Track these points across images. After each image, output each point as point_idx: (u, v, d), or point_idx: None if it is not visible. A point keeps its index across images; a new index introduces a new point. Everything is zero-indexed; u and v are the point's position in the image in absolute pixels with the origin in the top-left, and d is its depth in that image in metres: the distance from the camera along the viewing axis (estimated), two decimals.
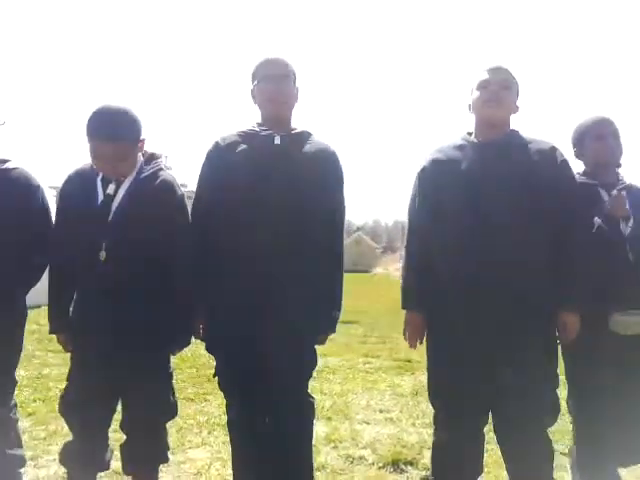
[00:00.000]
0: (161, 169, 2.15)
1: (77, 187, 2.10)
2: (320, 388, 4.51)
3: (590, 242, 2.13)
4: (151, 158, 2.16)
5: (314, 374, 2.25)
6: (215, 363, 2.21)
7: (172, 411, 2.20)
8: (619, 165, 2.38)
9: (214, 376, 2.22)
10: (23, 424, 3.09)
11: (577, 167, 2.38)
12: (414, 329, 2.21)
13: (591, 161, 2.37)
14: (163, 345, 2.11)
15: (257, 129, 2.18)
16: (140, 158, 2.13)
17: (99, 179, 2.07)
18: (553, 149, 2.13)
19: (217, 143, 2.19)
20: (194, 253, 2.17)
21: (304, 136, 2.20)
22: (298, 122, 2.26)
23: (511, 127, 2.19)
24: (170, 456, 2.29)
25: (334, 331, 2.21)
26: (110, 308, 1.99)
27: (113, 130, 1.97)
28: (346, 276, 2.26)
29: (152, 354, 2.06)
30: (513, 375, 2.00)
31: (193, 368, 5.14)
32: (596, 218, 2.19)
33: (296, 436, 2.15)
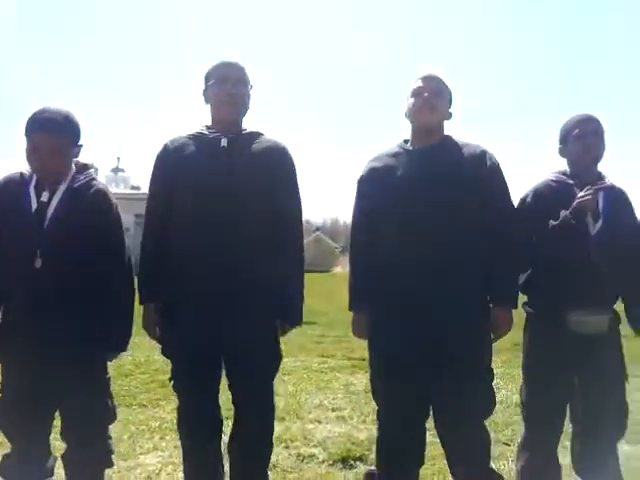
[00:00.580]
0: (94, 179, 2.17)
1: (7, 195, 2.07)
2: (274, 389, 4.55)
3: (551, 237, 2.21)
4: (84, 168, 2.16)
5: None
6: (172, 366, 2.23)
7: (110, 416, 2.20)
8: (597, 162, 2.36)
9: (170, 380, 2.23)
10: None
11: (561, 165, 2.41)
12: (359, 328, 2.31)
13: (572, 160, 2.38)
14: (97, 351, 2.11)
15: (206, 131, 2.22)
16: (73, 168, 2.13)
17: (32, 187, 2.05)
18: (483, 152, 2.21)
19: (166, 146, 2.24)
20: (149, 253, 2.21)
21: (253, 136, 2.24)
22: (250, 124, 2.29)
23: (445, 133, 2.28)
24: (121, 462, 2.30)
25: (299, 324, 2.26)
26: (43, 316, 1.98)
27: (52, 123, 2.00)
28: (305, 276, 2.30)
29: (86, 360, 2.06)
30: (449, 371, 2.10)
31: (146, 374, 5.08)
32: (562, 211, 2.21)
33: (258, 436, 2.22)
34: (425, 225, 2.10)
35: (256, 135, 2.24)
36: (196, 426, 2.21)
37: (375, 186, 2.24)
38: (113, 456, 2.24)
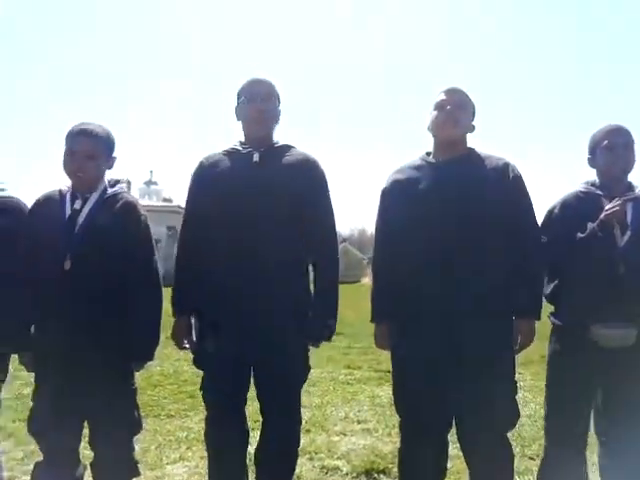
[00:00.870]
0: (125, 191, 2.28)
1: (47, 206, 2.21)
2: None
3: (578, 250, 2.19)
4: (116, 182, 2.29)
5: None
6: (203, 377, 2.27)
7: (137, 426, 2.26)
8: (627, 173, 2.33)
9: (200, 389, 2.28)
10: (3, 445, 3.13)
11: (590, 175, 2.40)
12: (381, 340, 2.33)
13: (601, 171, 2.36)
14: (123, 360, 2.17)
15: (239, 147, 2.29)
16: (105, 181, 2.24)
17: (68, 195, 2.19)
18: (506, 165, 2.21)
19: (201, 163, 2.33)
20: (184, 267, 2.28)
21: (284, 149, 2.29)
22: (281, 138, 2.34)
23: (468, 145, 2.29)
24: (148, 472, 2.34)
25: (329, 339, 2.27)
26: (70, 325, 2.05)
27: (90, 131, 2.17)
28: None
29: (112, 369, 2.12)
30: (470, 382, 2.08)
31: (174, 385, 5.17)
32: (590, 223, 2.20)
33: (284, 448, 2.25)
34: (449, 241, 2.11)
35: (287, 148, 2.29)
36: (223, 439, 2.24)
37: (398, 199, 2.26)
38: (140, 465, 2.29)
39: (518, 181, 2.21)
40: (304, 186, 2.20)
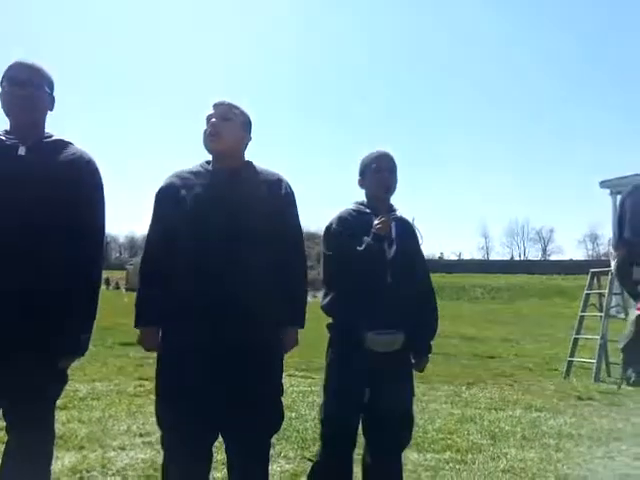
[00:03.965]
0: None
1: None
2: (79, 416, 4.24)
3: (354, 262, 2.34)
4: None
5: (75, 403, 2.15)
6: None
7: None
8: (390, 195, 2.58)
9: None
10: None
11: (359, 196, 2.61)
12: (149, 343, 2.24)
13: (369, 192, 2.57)
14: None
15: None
16: None
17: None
18: (279, 181, 2.31)
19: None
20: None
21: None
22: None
23: (246, 158, 2.33)
24: None
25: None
26: None
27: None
28: None
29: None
30: (240, 391, 2.11)
31: None
32: (365, 237, 2.36)
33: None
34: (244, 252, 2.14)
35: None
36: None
37: (171, 203, 2.26)
38: None
39: (289, 198, 2.32)
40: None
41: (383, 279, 2.39)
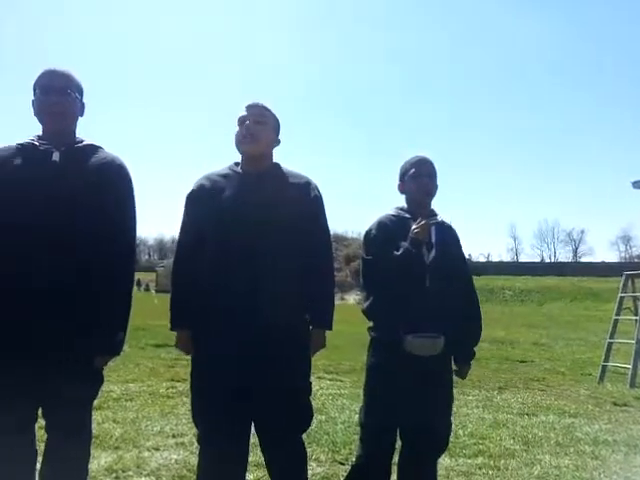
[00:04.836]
0: None
1: None
2: (113, 417, 4.32)
3: (394, 267, 2.33)
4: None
5: (110, 404, 2.19)
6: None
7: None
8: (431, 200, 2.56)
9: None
10: None
11: (400, 201, 2.60)
12: (184, 346, 2.27)
13: (409, 197, 2.57)
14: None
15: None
16: None
17: None
18: (308, 184, 2.32)
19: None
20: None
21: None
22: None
23: (274, 160, 2.35)
24: None
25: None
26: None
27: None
28: None
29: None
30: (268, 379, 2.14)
31: None
32: (403, 242, 2.35)
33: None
34: (256, 254, 2.16)
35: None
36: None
37: (203, 204, 2.29)
38: None
39: (317, 201, 2.33)
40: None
41: (422, 284, 2.38)
